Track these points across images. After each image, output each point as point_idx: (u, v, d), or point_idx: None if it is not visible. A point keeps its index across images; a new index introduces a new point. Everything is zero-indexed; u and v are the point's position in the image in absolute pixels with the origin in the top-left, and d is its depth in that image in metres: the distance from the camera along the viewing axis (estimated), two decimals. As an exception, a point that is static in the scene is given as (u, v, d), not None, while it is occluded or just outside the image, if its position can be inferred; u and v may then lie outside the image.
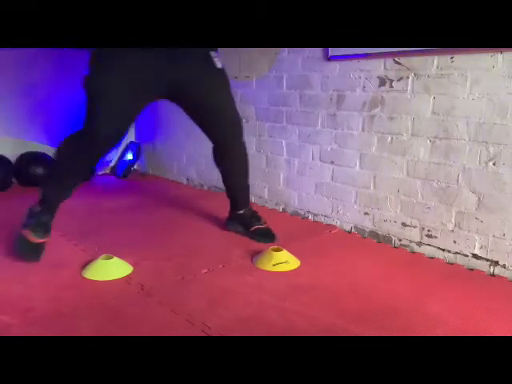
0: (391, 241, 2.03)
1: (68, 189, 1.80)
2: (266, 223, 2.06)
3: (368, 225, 2.12)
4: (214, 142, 1.96)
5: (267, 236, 2.01)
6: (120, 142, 1.79)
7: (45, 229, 1.76)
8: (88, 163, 1.80)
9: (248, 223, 2.05)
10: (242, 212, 2.08)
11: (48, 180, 1.79)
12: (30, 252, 1.72)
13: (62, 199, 1.81)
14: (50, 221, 1.78)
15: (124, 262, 1.70)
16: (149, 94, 1.74)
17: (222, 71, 1.83)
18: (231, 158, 1.99)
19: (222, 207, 2.61)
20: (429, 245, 1.90)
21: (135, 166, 3.56)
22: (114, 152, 3.58)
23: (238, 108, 2.65)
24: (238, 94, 2.65)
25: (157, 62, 1.63)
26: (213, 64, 1.79)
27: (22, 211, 1.78)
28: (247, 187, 2.09)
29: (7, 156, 2.98)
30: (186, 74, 1.72)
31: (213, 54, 1.78)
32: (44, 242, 1.76)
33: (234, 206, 2.10)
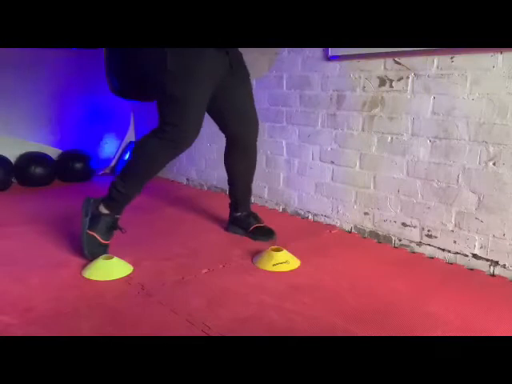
0: (391, 241, 2.03)
1: (140, 190, 1.78)
2: (263, 223, 2.07)
3: (368, 225, 2.12)
4: (231, 140, 1.97)
5: (266, 234, 2.01)
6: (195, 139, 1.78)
7: (113, 231, 1.77)
8: (167, 162, 1.77)
9: (247, 224, 2.06)
10: (239, 214, 2.09)
11: (122, 183, 1.74)
12: (100, 252, 1.71)
13: (132, 200, 1.79)
14: (117, 222, 1.78)
15: (124, 262, 1.70)
16: (215, 86, 1.75)
17: (248, 71, 1.90)
18: (246, 159, 2.01)
19: (222, 207, 2.61)
20: (429, 245, 1.90)
21: (135, 166, 3.56)
22: (114, 152, 3.58)
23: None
24: (238, 93, 2.66)
25: (221, 57, 1.70)
26: (244, 64, 1.87)
27: (21, 211, 1.78)
28: (250, 190, 2.11)
29: (7, 156, 2.98)
30: (233, 70, 1.78)
31: (242, 57, 1.86)
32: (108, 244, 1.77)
33: (235, 208, 2.10)
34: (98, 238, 1.72)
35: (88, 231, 1.72)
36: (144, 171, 1.75)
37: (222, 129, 1.97)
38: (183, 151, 1.74)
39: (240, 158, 2.01)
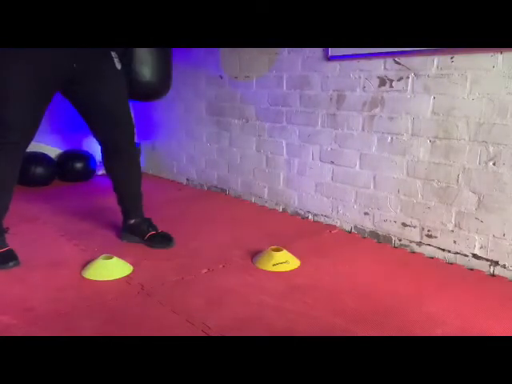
0: (391, 241, 2.03)
1: (4, 199, 1.71)
2: (158, 229, 1.98)
3: (368, 225, 2.12)
4: (103, 145, 1.89)
5: (163, 241, 1.93)
6: (31, 140, 1.68)
7: (2, 240, 1.72)
8: (5, 167, 1.66)
9: (141, 231, 1.95)
10: (133, 221, 1.97)
11: None
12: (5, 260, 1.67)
13: (2, 215, 1.73)
14: (3, 236, 1.73)
15: (124, 262, 1.70)
16: (48, 86, 1.65)
17: (120, 72, 1.79)
18: (122, 162, 1.90)
19: (222, 207, 2.61)
20: (429, 245, 1.90)
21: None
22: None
23: (238, 108, 2.68)
24: (237, 94, 2.66)
25: (55, 55, 1.58)
26: (112, 64, 1.76)
27: (21, 211, 1.78)
28: (139, 195, 1.99)
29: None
30: (82, 70, 1.67)
31: (113, 54, 1.75)
32: (10, 248, 1.72)
33: (127, 215, 1.98)
34: None
35: None
36: None
37: (92, 134, 1.88)
38: (12, 152, 1.64)
39: (117, 164, 1.90)
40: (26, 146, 1.69)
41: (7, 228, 1.75)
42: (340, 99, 2.14)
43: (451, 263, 1.82)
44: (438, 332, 1.29)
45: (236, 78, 2.64)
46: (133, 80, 1.90)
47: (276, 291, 1.54)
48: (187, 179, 3.19)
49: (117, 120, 1.81)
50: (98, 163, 3.45)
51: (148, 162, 3.49)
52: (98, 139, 1.88)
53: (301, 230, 2.21)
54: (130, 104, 1.92)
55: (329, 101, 2.19)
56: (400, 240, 2.00)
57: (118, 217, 2.06)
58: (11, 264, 1.67)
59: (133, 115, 1.88)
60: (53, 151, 3.26)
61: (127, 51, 1.86)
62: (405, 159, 1.93)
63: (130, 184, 1.96)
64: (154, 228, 1.97)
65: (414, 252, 1.94)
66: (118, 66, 1.78)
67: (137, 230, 1.96)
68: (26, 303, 1.42)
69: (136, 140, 1.92)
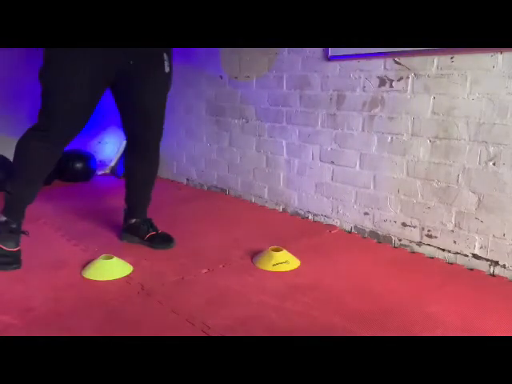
0: (391, 241, 2.03)
1: (29, 189, 1.73)
2: (159, 230, 1.97)
3: (368, 225, 2.12)
4: (131, 141, 1.90)
5: (164, 241, 1.93)
6: (77, 136, 1.71)
7: (17, 237, 1.72)
8: (49, 160, 1.71)
9: (142, 232, 1.95)
10: (133, 221, 1.97)
11: (9, 184, 1.70)
12: (7, 261, 1.67)
13: (26, 203, 1.74)
14: (18, 227, 1.73)
15: (124, 262, 1.70)
16: (100, 83, 1.68)
17: (167, 76, 1.80)
18: (145, 161, 1.92)
19: (222, 207, 2.61)
20: (429, 245, 1.90)
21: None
22: (113, 152, 3.58)
23: (238, 108, 2.68)
24: (238, 93, 2.66)
25: (108, 51, 1.60)
26: (161, 67, 1.77)
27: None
28: (148, 199, 2.00)
29: (7, 156, 2.98)
30: (135, 67, 1.69)
31: (165, 56, 1.77)
32: (20, 250, 1.72)
33: (130, 214, 1.98)
34: (1, 246, 1.68)
35: None
36: (22, 168, 1.70)
37: (123, 128, 1.89)
38: (56, 146, 1.68)
39: (138, 162, 1.92)
40: (71, 137, 1.71)
41: (27, 231, 1.75)
42: (340, 99, 2.14)
43: (451, 263, 1.82)
44: (438, 332, 1.29)
45: (236, 78, 2.64)
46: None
47: (276, 291, 1.54)
48: (187, 179, 3.19)
49: (152, 121, 1.84)
50: (98, 163, 3.45)
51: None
52: (127, 134, 1.90)
53: (301, 230, 2.21)
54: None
55: (329, 101, 2.19)
56: (400, 240, 2.00)
57: (118, 217, 2.07)
58: (14, 266, 1.68)
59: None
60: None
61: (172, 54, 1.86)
62: (405, 159, 1.93)
63: (145, 185, 1.98)
64: (155, 228, 1.97)
65: (414, 252, 1.94)
66: (167, 69, 1.79)
67: (137, 230, 1.96)
68: (26, 303, 1.42)
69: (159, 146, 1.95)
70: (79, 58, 1.56)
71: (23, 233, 1.74)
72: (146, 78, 1.74)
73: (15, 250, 1.70)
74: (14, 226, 1.70)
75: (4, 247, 1.68)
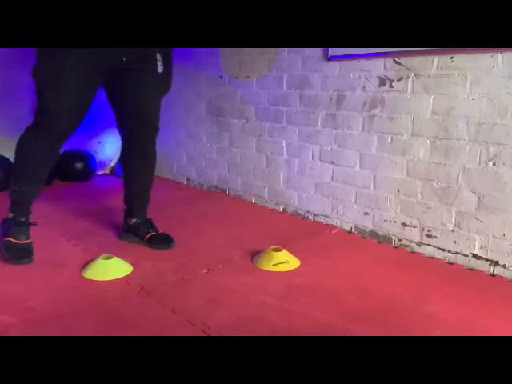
0: (391, 241, 2.03)
1: (34, 185, 1.76)
2: (159, 230, 1.97)
3: (368, 225, 2.12)
4: (126, 141, 1.91)
5: (164, 241, 1.92)
6: (76, 131, 1.73)
7: (26, 228, 1.76)
8: (49, 156, 1.74)
9: (142, 232, 1.95)
10: (134, 221, 1.96)
11: (13, 181, 1.74)
12: (20, 253, 1.71)
13: (32, 199, 1.78)
14: (26, 221, 1.77)
15: (124, 261, 1.70)
16: (95, 74, 1.68)
17: (160, 75, 1.81)
18: (141, 161, 1.92)
19: (222, 207, 2.61)
20: (429, 245, 1.90)
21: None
22: (113, 152, 3.58)
23: (238, 108, 2.68)
24: (238, 93, 2.66)
25: (104, 49, 1.60)
26: (154, 66, 1.77)
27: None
28: (147, 198, 2.00)
29: (7, 156, 2.98)
30: (128, 64, 1.70)
31: (158, 56, 1.77)
32: (31, 242, 1.76)
33: (129, 214, 1.98)
34: (12, 240, 1.72)
35: (4, 238, 1.74)
36: (25, 167, 1.73)
37: (117, 128, 1.90)
38: (56, 143, 1.70)
39: (134, 162, 1.92)
40: (70, 133, 1.73)
41: (35, 222, 1.80)
42: (340, 99, 2.14)
43: (451, 263, 1.82)
44: (438, 332, 1.29)
45: (236, 78, 2.64)
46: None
47: (276, 291, 1.54)
48: (187, 179, 3.19)
49: (145, 120, 1.84)
50: (98, 163, 3.45)
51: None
52: (122, 134, 1.91)
53: (301, 230, 2.21)
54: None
55: (329, 101, 2.19)
56: (400, 240, 2.00)
57: (118, 217, 2.06)
58: (25, 261, 1.71)
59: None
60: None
61: (165, 54, 1.86)
62: (405, 159, 1.93)
63: (142, 184, 1.98)
64: (155, 229, 1.97)
65: (414, 252, 1.94)
66: (160, 69, 1.79)
67: (137, 230, 1.96)
68: (26, 303, 1.42)
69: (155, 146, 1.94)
70: (71, 56, 1.56)
71: (32, 224, 1.79)
72: (138, 76, 1.75)
73: (26, 242, 1.75)
74: (22, 219, 1.76)
75: (15, 240, 1.72)
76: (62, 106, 1.62)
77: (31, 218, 1.80)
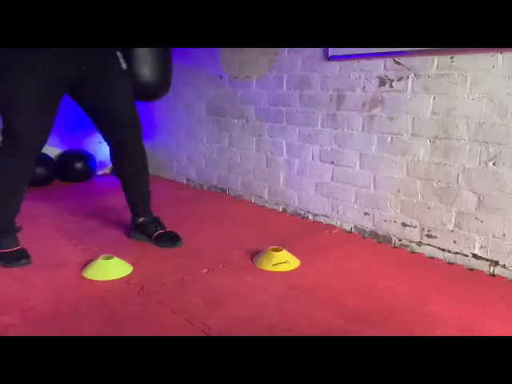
0: (391, 241, 2.03)
1: (15, 205, 1.73)
2: (167, 228, 1.99)
3: (368, 225, 2.12)
4: (111, 144, 1.90)
5: (171, 239, 1.94)
6: (45, 143, 1.70)
7: (13, 236, 1.75)
8: (25, 176, 1.72)
9: (150, 230, 1.96)
10: (141, 220, 1.98)
11: None
12: (14, 259, 1.70)
13: (14, 215, 1.75)
14: (14, 228, 1.75)
15: (124, 262, 1.70)
16: (56, 88, 1.65)
17: (125, 72, 1.80)
18: (130, 162, 1.92)
19: (222, 207, 2.61)
20: (429, 245, 1.90)
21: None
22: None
23: (237, 108, 2.68)
24: (237, 93, 2.66)
25: (63, 57, 1.58)
26: (118, 64, 1.77)
27: (21, 211, 1.77)
28: (147, 194, 2.01)
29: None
30: (90, 71, 1.67)
31: (119, 54, 1.76)
32: (22, 247, 1.75)
33: (135, 214, 2.00)
34: (4, 250, 1.71)
35: None
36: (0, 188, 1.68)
37: (100, 134, 1.89)
38: (28, 158, 1.67)
39: (125, 164, 1.93)
40: (41, 148, 1.71)
41: (20, 227, 1.78)
42: (340, 99, 2.14)
43: (451, 263, 1.82)
44: (438, 332, 1.29)
45: (236, 78, 2.64)
46: (132, 80, 1.90)
47: (276, 291, 1.54)
48: (187, 179, 3.19)
49: (123, 121, 1.82)
50: (98, 163, 3.45)
51: (148, 161, 3.48)
52: (105, 139, 1.90)
53: (301, 230, 2.21)
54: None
55: (329, 101, 2.19)
56: (400, 240, 2.00)
57: (118, 217, 2.07)
58: (23, 262, 1.70)
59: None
60: (53, 151, 3.25)
61: (126, 51, 1.86)
62: (405, 159, 1.93)
63: (138, 183, 1.98)
64: (163, 227, 1.99)
65: (414, 252, 1.94)
66: (124, 65, 1.79)
67: (145, 228, 1.98)
68: (26, 303, 1.42)
69: (142, 141, 1.93)
70: (27, 75, 1.53)
71: (17, 230, 1.77)
72: (103, 80, 1.73)
73: (19, 247, 1.74)
74: (6, 229, 1.74)
75: (7, 250, 1.72)
76: (27, 125, 1.59)
77: (17, 222, 1.77)
